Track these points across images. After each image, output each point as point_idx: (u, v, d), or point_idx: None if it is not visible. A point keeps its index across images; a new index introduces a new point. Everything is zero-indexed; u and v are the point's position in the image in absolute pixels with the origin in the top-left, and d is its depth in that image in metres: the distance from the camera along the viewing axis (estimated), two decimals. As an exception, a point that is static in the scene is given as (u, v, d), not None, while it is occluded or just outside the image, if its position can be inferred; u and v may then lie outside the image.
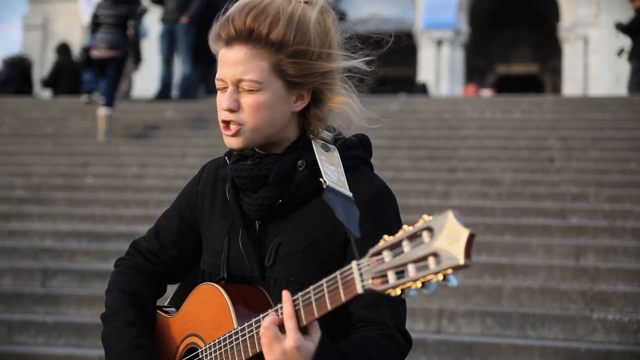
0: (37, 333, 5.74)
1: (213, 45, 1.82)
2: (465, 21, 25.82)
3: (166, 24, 12.40)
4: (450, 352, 5.27)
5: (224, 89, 1.79)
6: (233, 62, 1.76)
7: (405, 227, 1.42)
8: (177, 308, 1.96)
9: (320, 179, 1.73)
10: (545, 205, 7.48)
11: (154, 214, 7.09)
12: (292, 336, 1.56)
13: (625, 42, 13.02)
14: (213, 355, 1.77)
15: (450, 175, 8.60)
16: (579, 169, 8.53)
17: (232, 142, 1.80)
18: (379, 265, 1.43)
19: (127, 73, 12.06)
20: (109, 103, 10.27)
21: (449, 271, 1.34)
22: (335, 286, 1.51)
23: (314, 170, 1.78)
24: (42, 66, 24.42)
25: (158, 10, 13.62)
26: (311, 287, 1.56)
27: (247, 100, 1.77)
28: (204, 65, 12.81)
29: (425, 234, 1.38)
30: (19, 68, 15.62)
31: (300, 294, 1.58)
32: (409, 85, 21.25)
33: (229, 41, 1.77)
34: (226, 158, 1.92)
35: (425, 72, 25.04)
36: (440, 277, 1.35)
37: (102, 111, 10.28)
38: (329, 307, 1.53)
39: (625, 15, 15.13)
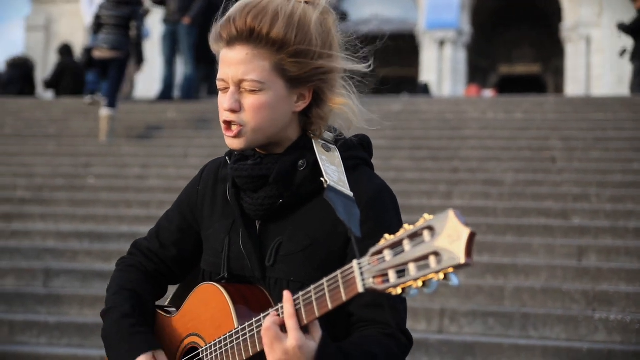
0: (40, 333, 5.74)
1: (214, 45, 1.83)
2: (467, 21, 25.82)
3: (168, 25, 12.41)
4: (452, 352, 5.26)
5: (226, 89, 1.79)
6: (234, 62, 1.76)
7: (406, 226, 1.42)
8: (178, 308, 1.96)
9: (322, 179, 1.73)
10: (547, 205, 7.48)
11: (156, 214, 7.09)
12: (293, 335, 1.57)
13: (628, 42, 13.01)
14: (214, 354, 1.77)
15: (452, 175, 8.60)
16: (581, 169, 8.52)
17: (234, 143, 1.80)
18: (379, 264, 1.44)
19: (128, 76, 12.07)
20: (111, 104, 10.28)
21: (450, 270, 1.34)
22: (336, 285, 1.51)
23: (315, 170, 1.78)
24: (45, 67, 24.46)
25: (160, 12, 13.63)
26: (312, 287, 1.56)
27: (248, 100, 1.77)
28: (206, 65, 12.81)
29: (426, 233, 1.38)
30: (22, 69, 15.64)
31: (301, 293, 1.58)
32: (412, 85, 21.26)
33: (230, 41, 1.77)
34: (227, 158, 1.92)
35: (428, 72, 25.05)
36: (441, 276, 1.35)
37: (105, 112, 10.29)
38: (330, 307, 1.53)
39: (628, 15, 15.12)
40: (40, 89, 17.12)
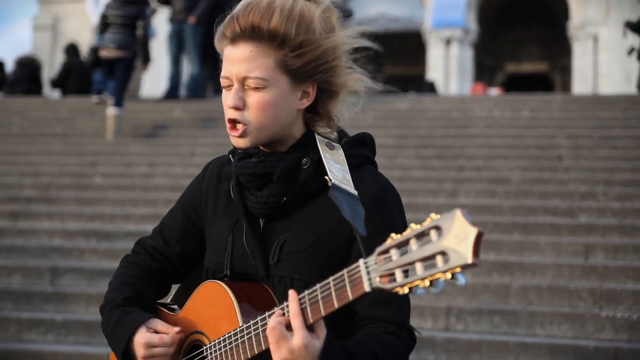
0: (47, 331, 5.77)
1: (218, 44, 1.83)
2: (474, 20, 25.75)
3: (174, 24, 12.42)
4: (459, 350, 5.26)
5: (229, 87, 1.80)
6: (238, 59, 1.76)
7: (412, 225, 1.42)
8: (180, 306, 1.96)
9: (326, 177, 1.73)
10: (553, 203, 7.46)
11: (162, 213, 7.04)
12: (299, 334, 1.57)
13: (635, 40, 12.97)
14: (218, 352, 1.77)
15: (458, 174, 8.59)
16: (588, 167, 8.50)
17: (239, 142, 1.80)
18: (386, 263, 1.43)
19: (134, 76, 12.07)
20: (118, 103, 10.30)
21: (457, 270, 1.34)
22: (343, 284, 1.51)
23: (319, 168, 1.78)
24: (52, 66, 24.48)
25: (166, 11, 13.65)
26: (318, 285, 1.56)
27: (252, 98, 1.77)
28: (212, 64, 12.80)
29: (433, 233, 1.38)
30: (29, 68, 15.66)
31: (306, 292, 1.58)
32: (418, 84, 21.23)
33: (234, 39, 1.77)
34: (230, 156, 1.92)
35: (434, 71, 25.00)
36: (448, 275, 1.35)
37: (111, 111, 10.31)
38: (336, 305, 1.53)
39: (635, 13, 15.07)
40: (47, 88, 17.16)
